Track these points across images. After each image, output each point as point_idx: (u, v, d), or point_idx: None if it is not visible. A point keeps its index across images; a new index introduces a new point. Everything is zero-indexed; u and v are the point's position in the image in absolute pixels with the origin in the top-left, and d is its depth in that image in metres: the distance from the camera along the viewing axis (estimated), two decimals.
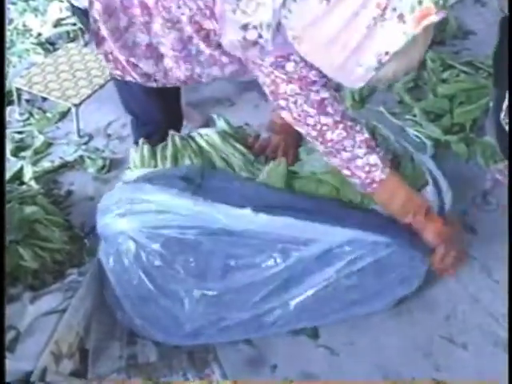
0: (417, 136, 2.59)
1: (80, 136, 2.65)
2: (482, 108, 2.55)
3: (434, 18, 1.33)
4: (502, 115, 2.00)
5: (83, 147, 2.61)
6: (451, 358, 1.85)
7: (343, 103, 1.67)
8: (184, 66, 1.71)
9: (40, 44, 3.14)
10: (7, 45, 3.17)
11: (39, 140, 2.63)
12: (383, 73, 1.41)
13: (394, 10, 1.32)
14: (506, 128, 1.99)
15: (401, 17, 1.32)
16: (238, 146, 1.90)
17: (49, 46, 3.15)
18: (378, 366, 1.84)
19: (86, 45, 3.10)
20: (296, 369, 1.83)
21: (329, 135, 1.62)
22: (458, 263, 1.85)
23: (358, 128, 1.65)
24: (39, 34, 3.21)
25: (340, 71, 1.42)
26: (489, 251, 2.12)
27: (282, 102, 1.60)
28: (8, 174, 2.39)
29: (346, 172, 1.70)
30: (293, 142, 1.92)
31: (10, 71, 3.01)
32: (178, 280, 1.76)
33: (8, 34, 3.23)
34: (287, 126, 1.88)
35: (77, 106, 2.59)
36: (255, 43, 1.47)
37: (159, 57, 1.72)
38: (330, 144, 1.64)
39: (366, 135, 1.67)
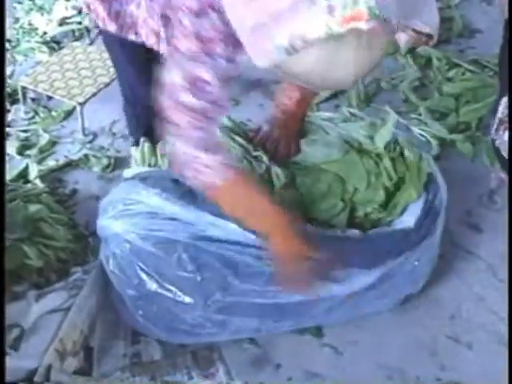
0: (422, 135, 2.58)
1: (85, 135, 2.65)
2: (488, 107, 2.53)
3: (363, 24, 1.20)
4: (493, 130, 1.99)
5: (88, 146, 2.60)
6: (456, 358, 1.84)
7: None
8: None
9: (45, 43, 3.14)
10: (13, 43, 3.18)
11: (44, 138, 2.62)
12: (297, 65, 1.26)
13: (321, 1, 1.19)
14: (500, 147, 1.98)
15: (330, 8, 1.19)
16: (238, 138, 1.89)
17: (54, 44, 3.15)
18: (382, 365, 1.83)
19: (91, 43, 3.11)
20: (300, 368, 1.83)
21: (176, 117, 1.44)
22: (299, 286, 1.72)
23: (212, 129, 1.46)
24: (44, 33, 3.21)
25: (250, 36, 1.28)
26: (494, 250, 2.11)
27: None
28: (13, 173, 2.39)
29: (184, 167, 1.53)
30: (294, 136, 1.89)
31: (15, 70, 3.02)
32: (177, 280, 1.75)
33: (14, 32, 3.24)
34: (289, 119, 1.87)
35: (82, 104, 2.59)
36: None
37: None
38: (173, 126, 1.45)
39: (216, 139, 1.49)
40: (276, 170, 1.77)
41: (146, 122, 2.11)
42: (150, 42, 1.76)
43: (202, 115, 1.42)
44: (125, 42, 1.85)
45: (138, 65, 1.99)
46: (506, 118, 1.95)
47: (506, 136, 1.94)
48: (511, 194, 1.96)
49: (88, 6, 1.84)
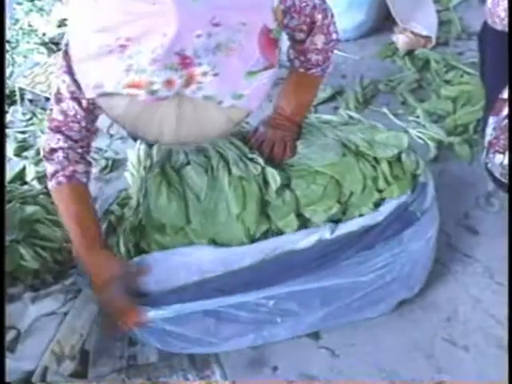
0: (420, 137, 2.58)
1: None
2: (483, 109, 2.54)
3: (142, 95, 1.19)
4: (484, 153, 1.99)
5: None
6: (452, 360, 1.84)
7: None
8: None
9: (44, 44, 3.15)
10: (12, 45, 3.19)
11: (42, 140, 2.62)
12: (112, 108, 1.25)
13: (130, 57, 1.17)
14: (492, 169, 1.98)
15: (123, 68, 1.18)
16: (234, 140, 1.88)
17: (52, 45, 3.15)
18: (378, 367, 1.83)
19: None
20: (296, 370, 1.83)
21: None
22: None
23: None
24: (43, 34, 3.22)
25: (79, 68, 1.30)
26: (491, 253, 2.11)
27: None
28: (10, 174, 2.40)
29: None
30: (290, 137, 1.89)
31: (15, 71, 3.02)
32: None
33: (14, 33, 3.25)
34: (285, 120, 1.87)
35: None
36: None
37: None
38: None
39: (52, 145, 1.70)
40: (271, 172, 1.77)
41: None
42: None
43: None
44: None
45: None
46: (495, 140, 1.95)
47: (496, 159, 1.95)
48: (511, 199, 1.96)
49: None
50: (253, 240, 1.73)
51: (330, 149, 1.81)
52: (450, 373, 1.81)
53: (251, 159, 1.80)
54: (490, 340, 1.88)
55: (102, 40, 1.19)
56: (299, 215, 1.76)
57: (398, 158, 1.84)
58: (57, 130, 1.67)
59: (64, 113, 1.63)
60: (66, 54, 1.51)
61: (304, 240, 1.72)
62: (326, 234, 1.72)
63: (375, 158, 1.81)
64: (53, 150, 1.69)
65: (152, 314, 1.67)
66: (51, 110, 1.66)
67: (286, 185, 1.77)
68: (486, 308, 1.97)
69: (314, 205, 1.76)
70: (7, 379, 1.62)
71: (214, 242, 1.73)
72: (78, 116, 1.64)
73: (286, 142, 1.87)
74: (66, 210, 1.70)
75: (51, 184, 1.70)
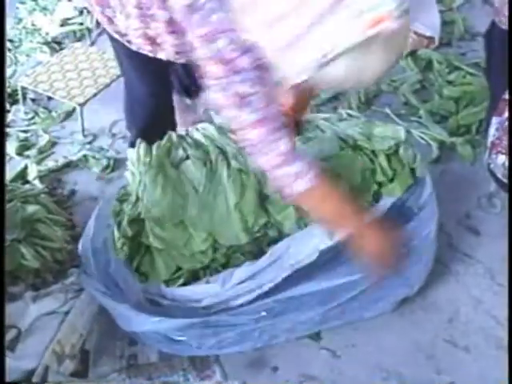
0: (422, 138, 2.57)
1: (84, 135, 2.65)
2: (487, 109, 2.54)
3: (391, 25, 1.23)
4: (487, 154, 1.99)
5: (87, 146, 2.60)
6: (453, 361, 1.84)
7: (277, 102, 1.51)
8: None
9: (46, 43, 3.15)
10: (15, 44, 3.19)
11: (44, 139, 2.63)
12: (328, 73, 1.30)
13: (350, 6, 1.23)
14: (495, 170, 1.98)
15: (356, 14, 1.23)
16: (233, 135, 1.89)
17: (55, 45, 3.16)
18: (380, 368, 1.83)
19: (91, 44, 3.11)
20: (297, 371, 1.83)
21: (248, 133, 1.48)
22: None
23: (281, 135, 1.49)
24: (46, 33, 3.22)
25: (280, 57, 1.32)
26: (493, 254, 2.10)
27: (209, 82, 1.45)
28: (12, 173, 2.40)
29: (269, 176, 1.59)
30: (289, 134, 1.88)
31: (17, 70, 3.02)
32: None
33: (17, 32, 3.25)
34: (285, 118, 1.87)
35: (82, 105, 2.59)
36: (198, 9, 1.37)
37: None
38: (248, 143, 1.51)
39: (289, 145, 1.50)
40: None
41: (141, 121, 2.13)
42: (146, 50, 1.77)
43: (265, 126, 1.45)
44: None
45: (137, 65, 2.00)
46: (498, 141, 1.95)
47: (499, 159, 1.95)
48: (511, 200, 1.96)
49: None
50: (251, 234, 1.73)
51: (327, 143, 1.82)
52: (451, 374, 1.81)
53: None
54: (491, 341, 1.88)
55: None
56: (298, 208, 1.75)
57: (396, 151, 1.84)
58: None
59: None
60: None
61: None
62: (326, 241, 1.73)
63: (373, 151, 1.82)
64: None
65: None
66: None
67: None
68: (487, 309, 1.97)
69: None
70: (7, 379, 1.62)
71: (211, 236, 1.73)
72: None
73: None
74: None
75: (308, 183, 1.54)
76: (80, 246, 1.89)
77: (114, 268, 1.79)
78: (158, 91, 2.06)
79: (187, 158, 1.84)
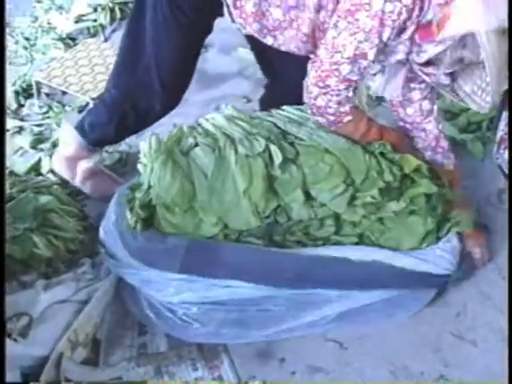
0: None
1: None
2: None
3: None
4: (495, 149, 2.00)
5: None
6: (460, 354, 1.84)
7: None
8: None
9: (61, 39, 3.18)
10: (31, 42, 3.22)
11: (57, 133, 2.65)
12: None
13: None
14: (502, 165, 1.99)
15: None
16: (242, 123, 1.92)
17: (69, 41, 3.19)
18: (386, 360, 1.83)
19: (105, 40, 3.14)
20: (304, 362, 1.84)
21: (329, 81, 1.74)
22: None
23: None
24: (61, 31, 3.25)
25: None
26: (502, 249, 2.11)
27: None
28: (26, 166, 2.43)
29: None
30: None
31: (32, 68, 3.05)
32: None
33: (33, 31, 3.29)
34: None
35: (95, 100, 2.62)
36: None
37: None
38: (321, 84, 1.75)
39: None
40: (274, 149, 1.80)
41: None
42: (287, 47, 1.91)
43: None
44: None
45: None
46: (506, 136, 1.95)
47: (506, 154, 1.95)
48: (511, 195, 1.96)
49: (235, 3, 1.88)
50: (261, 219, 1.76)
51: (341, 135, 1.86)
52: (458, 367, 1.81)
53: (255, 136, 1.83)
54: (498, 335, 1.88)
55: None
56: (306, 192, 1.78)
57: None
58: None
59: None
60: None
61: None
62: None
63: (381, 153, 1.84)
64: None
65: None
66: None
67: (293, 160, 1.80)
68: (496, 304, 1.97)
69: (320, 183, 1.79)
70: (19, 364, 1.65)
71: (221, 221, 1.76)
72: None
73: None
74: None
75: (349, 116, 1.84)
76: (101, 232, 1.91)
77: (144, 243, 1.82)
78: None
79: (196, 145, 1.86)
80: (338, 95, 1.76)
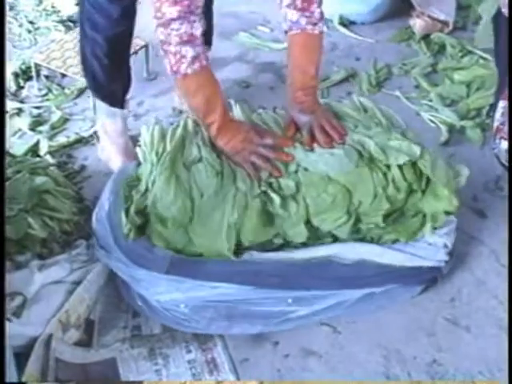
0: (432, 121, 2.57)
1: (95, 112, 2.67)
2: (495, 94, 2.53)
3: None
4: (492, 139, 1.99)
5: None
6: (453, 340, 1.84)
7: None
8: None
9: (61, 21, 3.18)
10: (35, 25, 3.21)
11: (56, 115, 2.65)
12: None
13: None
14: (499, 155, 1.98)
15: None
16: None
17: (70, 23, 3.18)
18: (379, 345, 1.84)
19: None
20: (297, 346, 1.84)
21: (164, 8, 1.69)
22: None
23: (195, 20, 1.71)
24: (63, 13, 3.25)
25: None
26: (498, 236, 2.11)
27: None
28: (24, 148, 2.43)
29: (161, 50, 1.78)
30: (329, 117, 1.90)
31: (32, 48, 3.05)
32: None
33: (37, 14, 3.28)
34: (307, 92, 1.90)
35: None
36: None
37: None
38: (159, 14, 1.71)
39: (200, 30, 1.74)
40: (272, 193, 1.81)
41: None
42: None
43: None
44: None
45: None
46: (502, 126, 1.95)
47: (502, 145, 1.95)
48: (511, 184, 1.96)
49: None
50: (237, 255, 1.78)
51: (346, 156, 1.81)
52: (451, 352, 1.81)
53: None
54: (492, 321, 1.88)
55: None
56: (307, 223, 1.79)
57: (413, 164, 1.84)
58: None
59: None
60: None
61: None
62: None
63: (387, 165, 1.81)
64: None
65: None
66: None
67: (293, 196, 1.80)
68: (490, 289, 1.97)
69: (322, 214, 1.79)
70: (12, 343, 1.66)
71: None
72: None
73: (331, 121, 1.88)
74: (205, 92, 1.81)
75: (193, 68, 1.75)
76: (94, 220, 1.91)
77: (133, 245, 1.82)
78: None
79: (200, 160, 1.85)
80: (177, 30, 1.70)
